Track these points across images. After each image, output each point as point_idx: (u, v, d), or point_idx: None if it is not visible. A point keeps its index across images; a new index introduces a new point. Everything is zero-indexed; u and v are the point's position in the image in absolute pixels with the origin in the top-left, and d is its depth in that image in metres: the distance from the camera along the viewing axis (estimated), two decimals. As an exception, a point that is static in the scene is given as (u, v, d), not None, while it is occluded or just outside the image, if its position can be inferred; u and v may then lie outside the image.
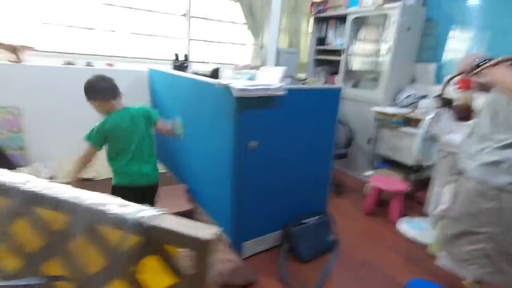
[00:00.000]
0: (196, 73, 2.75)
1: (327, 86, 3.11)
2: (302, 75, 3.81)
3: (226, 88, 1.58)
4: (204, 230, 0.48)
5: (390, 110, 2.61)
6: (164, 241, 0.49)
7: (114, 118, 1.56)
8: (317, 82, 3.69)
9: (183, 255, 0.50)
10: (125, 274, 0.53)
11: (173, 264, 0.50)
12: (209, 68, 2.77)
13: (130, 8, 2.98)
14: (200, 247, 0.47)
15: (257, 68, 3.64)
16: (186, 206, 2.20)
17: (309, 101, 1.84)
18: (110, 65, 2.92)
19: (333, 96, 1.94)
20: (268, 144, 1.75)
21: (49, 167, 2.65)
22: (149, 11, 3.07)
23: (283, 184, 1.91)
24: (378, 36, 3.06)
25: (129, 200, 0.59)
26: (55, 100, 2.69)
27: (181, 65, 3.06)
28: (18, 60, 2.51)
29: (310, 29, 3.81)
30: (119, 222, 0.50)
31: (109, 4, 2.88)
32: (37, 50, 2.61)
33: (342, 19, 3.39)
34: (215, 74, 2.57)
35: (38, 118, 2.66)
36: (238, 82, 1.69)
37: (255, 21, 3.49)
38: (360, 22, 3.22)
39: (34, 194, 0.56)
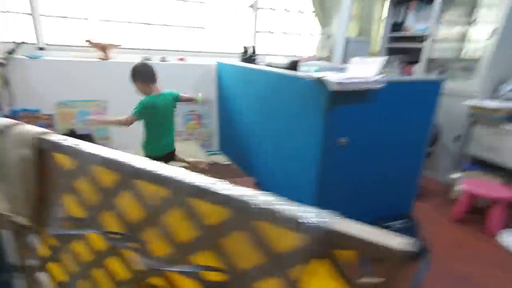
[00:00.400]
0: (271, 66, 2.70)
1: (426, 78, 2.80)
2: (373, 66, 3.53)
3: (319, 82, 1.50)
4: (393, 240, 0.41)
5: (491, 104, 2.25)
6: (339, 246, 0.45)
7: (154, 99, 1.98)
8: (391, 73, 3.38)
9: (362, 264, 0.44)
10: (283, 275, 0.51)
11: (346, 272, 0.46)
12: (281, 60, 2.69)
13: (200, 2, 3.04)
14: (390, 257, 0.40)
15: (324, 59, 3.48)
16: None
17: (405, 94, 1.66)
18: (181, 59, 3.03)
19: (432, 89, 1.72)
20: (357, 141, 1.64)
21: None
22: (216, 4, 3.10)
23: (368, 183, 1.79)
24: (472, 17, 2.66)
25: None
26: (133, 93, 2.88)
27: (249, 58, 3.04)
28: (106, 58, 2.73)
29: (385, 14, 3.49)
30: (287, 221, 0.47)
31: (183, 0, 2.97)
32: (121, 48, 2.81)
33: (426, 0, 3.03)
34: (293, 66, 2.48)
35: (120, 110, 2.87)
36: (330, 75, 1.58)
37: (323, 8, 3.31)
38: (450, 2, 2.83)
39: (196, 188, 0.56)
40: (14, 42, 2.52)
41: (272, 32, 3.43)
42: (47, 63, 2.57)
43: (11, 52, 2.44)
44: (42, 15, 2.61)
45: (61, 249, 0.94)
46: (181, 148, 3.01)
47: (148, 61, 2.88)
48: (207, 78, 3.07)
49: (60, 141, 0.80)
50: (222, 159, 3.08)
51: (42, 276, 1.05)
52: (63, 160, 0.82)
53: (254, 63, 3.02)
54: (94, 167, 0.74)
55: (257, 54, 3.10)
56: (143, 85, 1.98)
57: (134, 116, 1.96)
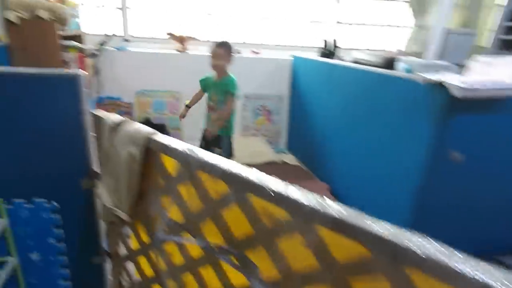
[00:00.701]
0: (358, 62, 2.39)
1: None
2: (477, 63, 2.93)
3: (436, 85, 1.24)
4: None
5: None
6: (406, 263, 0.39)
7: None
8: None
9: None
10: (337, 283, 0.47)
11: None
12: (370, 57, 2.36)
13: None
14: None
15: (414, 54, 3.01)
16: None
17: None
18: (255, 53, 2.90)
19: None
20: (475, 158, 1.34)
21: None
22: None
23: (480, 208, 1.44)
24: None
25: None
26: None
27: (330, 52, 2.77)
28: (183, 50, 2.75)
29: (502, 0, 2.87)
30: (351, 231, 0.43)
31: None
32: (198, 40, 2.80)
33: None
34: (389, 64, 2.15)
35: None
36: (449, 77, 1.31)
37: (420, -4, 2.86)
38: None
39: (255, 185, 0.54)
40: (105, 35, 2.70)
41: (355, 24, 3.09)
42: (130, 54, 2.69)
43: (102, 44, 2.60)
44: (128, 7, 2.74)
45: (153, 247, 0.93)
46: (248, 143, 2.90)
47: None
48: (281, 72, 2.90)
49: (169, 144, 0.79)
50: (290, 158, 2.87)
51: (130, 266, 1.09)
52: (169, 163, 0.82)
53: (335, 58, 2.74)
54: (202, 174, 0.71)
55: (339, 48, 2.82)
56: (229, 62, 2.04)
57: (235, 98, 2.05)
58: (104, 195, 1.07)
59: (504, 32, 2.84)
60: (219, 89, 2.04)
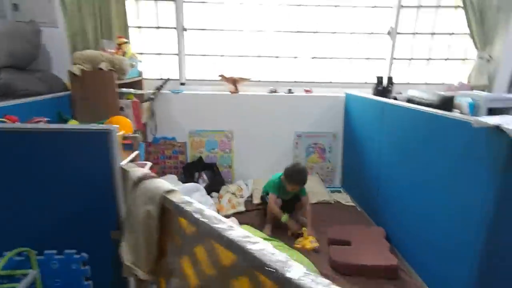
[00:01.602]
0: (413, 101, 2.26)
1: None
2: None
3: (496, 131, 1.11)
4: None
5: None
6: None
7: None
8: None
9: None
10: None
11: None
12: (427, 95, 2.22)
13: (331, 33, 2.85)
14: None
15: (481, 88, 2.81)
16: (390, 260, 1.75)
17: None
18: (308, 91, 2.87)
19: None
20: None
21: (248, 186, 2.81)
22: (349, 33, 2.85)
23: None
24: None
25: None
26: (259, 125, 2.85)
27: (384, 89, 2.66)
28: (236, 91, 2.78)
29: None
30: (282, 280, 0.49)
31: (307, 32, 2.83)
32: (250, 81, 2.83)
33: None
34: (447, 104, 2.00)
35: (244, 140, 2.88)
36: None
37: (484, 27, 2.69)
38: None
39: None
40: (162, 79, 2.81)
41: (412, 59, 2.96)
42: (185, 96, 2.77)
43: (159, 88, 2.71)
44: (186, 54, 2.85)
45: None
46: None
47: (274, 93, 2.83)
48: (335, 110, 2.83)
49: (181, 204, 0.80)
50: (344, 197, 2.73)
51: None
52: (185, 223, 0.81)
53: (390, 95, 2.63)
54: (212, 241, 0.70)
55: (394, 84, 2.70)
56: None
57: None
58: (124, 252, 1.06)
59: None
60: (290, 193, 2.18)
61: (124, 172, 1.15)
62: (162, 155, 2.89)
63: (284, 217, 2.09)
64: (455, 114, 1.47)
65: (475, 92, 2.64)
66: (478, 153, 1.24)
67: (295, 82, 2.92)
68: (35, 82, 2.25)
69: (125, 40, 2.35)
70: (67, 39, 2.52)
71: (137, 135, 1.96)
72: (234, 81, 2.77)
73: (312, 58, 2.90)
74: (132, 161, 2.02)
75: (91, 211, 1.19)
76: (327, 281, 0.47)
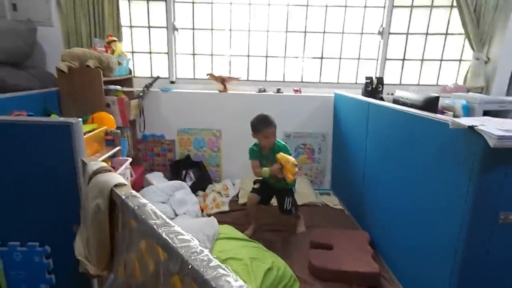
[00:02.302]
0: (398, 102, 2.20)
1: None
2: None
3: (471, 132, 1.07)
4: None
5: None
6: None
7: None
8: None
9: None
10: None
11: None
12: (414, 95, 2.15)
13: (321, 32, 2.82)
14: None
15: (476, 90, 2.71)
16: (371, 267, 1.67)
17: None
18: (297, 91, 2.84)
19: None
20: None
21: (234, 186, 2.79)
22: (340, 33, 2.82)
23: None
24: None
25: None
26: (247, 124, 2.82)
27: (373, 90, 2.60)
28: (225, 90, 2.79)
29: None
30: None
31: (297, 32, 2.82)
32: (239, 80, 2.83)
33: None
34: (431, 105, 1.93)
35: (232, 140, 2.87)
36: (493, 122, 1.15)
37: (480, 28, 2.60)
38: None
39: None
40: (151, 77, 2.85)
41: (405, 60, 2.89)
42: (174, 94, 2.80)
43: (148, 86, 2.75)
44: (177, 53, 2.89)
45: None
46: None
47: (263, 92, 2.82)
48: (324, 110, 2.78)
49: (126, 199, 0.79)
50: (333, 200, 2.66)
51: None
52: (130, 217, 0.80)
53: (379, 96, 2.56)
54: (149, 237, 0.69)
55: (385, 85, 2.64)
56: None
57: None
58: (77, 246, 1.04)
59: None
60: (271, 158, 2.03)
61: (84, 165, 1.15)
62: (151, 152, 2.92)
63: (265, 171, 1.98)
64: (434, 114, 1.41)
65: (471, 94, 2.55)
66: (456, 154, 1.20)
67: (284, 81, 2.90)
68: (28, 78, 2.33)
69: (114, 38, 2.41)
70: (61, 38, 2.61)
71: (118, 131, 1.99)
72: (223, 80, 2.78)
73: (302, 57, 2.88)
74: (113, 156, 2.06)
75: (54, 204, 1.20)
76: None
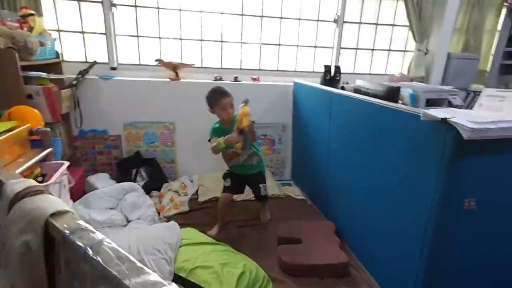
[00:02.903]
0: (360, 91, 2.24)
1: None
2: (479, 87, 2.90)
3: (442, 124, 1.09)
4: None
5: None
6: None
7: None
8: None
9: None
10: None
11: None
12: (374, 86, 2.22)
13: (277, 18, 2.71)
14: None
15: (419, 79, 2.93)
16: (341, 257, 1.70)
17: None
18: (255, 79, 2.71)
19: None
20: (493, 204, 1.21)
21: (193, 183, 2.59)
22: (297, 19, 2.75)
23: (503, 260, 1.30)
24: None
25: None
26: (204, 115, 2.62)
27: (332, 79, 2.62)
28: (177, 78, 2.52)
29: (500, 26, 2.87)
30: None
31: (253, 16, 2.67)
32: (193, 67, 2.58)
33: None
34: (393, 95, 2.00)
35: (187, 132, 2.64)
36: (459, 113, 1.18)
37: (421, 20, 2.79)
38: None
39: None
40: (87, 62, 2.42)
41: (358, 49, 2.97)
42: (117, 83, 2.42)
43: (83, 72, 2.31)
44: (117, 34, 2.48)
45: None
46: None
47: (220, 81, 2.62)
48: (283, 99, 2.72)
49: (70, 234, 0.58)
50: (295, 191, 2.66)
51: None
52: (77, 259, 0.59)
53: (337, 85, 2.60)
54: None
55: (341, 73, 2.68)
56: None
57: None
58: None
59: (504, 57, 2.82)
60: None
61: (0, 185, 0.83)
62: (91, 150, 2.51)
63: (219, 141, 1.82)
64: (404, 106, 1.44)
65: (414, 83, 2.75)
66: (426, 145, 1.21)
67: (241, 69, 2.74)
68: None
69: (31, 11, 1.92)
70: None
71: (46, 128, 1.61)
72: (174, 67, 2.50)
73: (260, 44, 2.75)
74: (43, 160, 1.67)
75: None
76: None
